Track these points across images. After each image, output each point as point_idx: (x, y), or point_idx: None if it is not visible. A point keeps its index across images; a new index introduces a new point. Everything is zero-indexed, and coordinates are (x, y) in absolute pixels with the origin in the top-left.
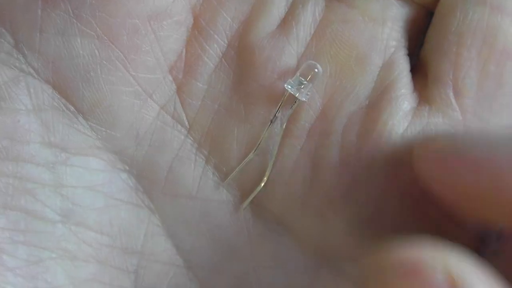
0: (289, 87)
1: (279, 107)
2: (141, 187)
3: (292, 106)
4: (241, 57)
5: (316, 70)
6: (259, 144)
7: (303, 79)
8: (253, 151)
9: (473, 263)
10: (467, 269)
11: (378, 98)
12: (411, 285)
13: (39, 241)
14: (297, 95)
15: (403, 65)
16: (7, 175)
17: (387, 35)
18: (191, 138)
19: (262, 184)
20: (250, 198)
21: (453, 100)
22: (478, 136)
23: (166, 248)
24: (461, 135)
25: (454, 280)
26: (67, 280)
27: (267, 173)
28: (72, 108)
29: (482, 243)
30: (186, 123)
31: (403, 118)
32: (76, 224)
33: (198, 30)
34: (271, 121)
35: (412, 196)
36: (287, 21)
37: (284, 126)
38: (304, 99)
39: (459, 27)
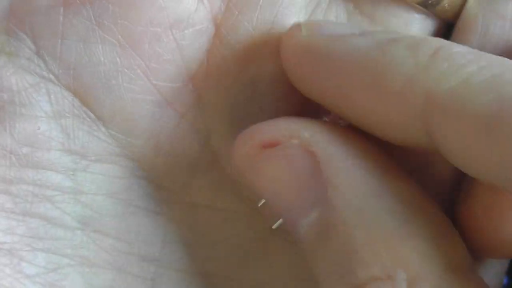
0: None
1: None
2: (160, 195)
3: None
4: None
5: None
6: None
7: None
8: None
9: (328, 132)
10: (320, 137)
11: None
12: (272, 157)
13: (58, 248)
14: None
15: None
16: (27, 182)
17: None
18: (211, 148)
19: None
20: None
21: None
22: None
23: (183, 256)
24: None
25: (308, 146)
26: (85, 287)
27: None
28: (92, 115)
29: None
30: (206, 132)
31: None
32: (94, 231)
33: (219, 39)
34: None
35: None
36: None
37: None
38: None
39: (480, 41)
